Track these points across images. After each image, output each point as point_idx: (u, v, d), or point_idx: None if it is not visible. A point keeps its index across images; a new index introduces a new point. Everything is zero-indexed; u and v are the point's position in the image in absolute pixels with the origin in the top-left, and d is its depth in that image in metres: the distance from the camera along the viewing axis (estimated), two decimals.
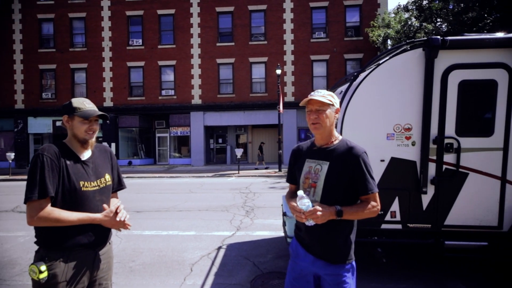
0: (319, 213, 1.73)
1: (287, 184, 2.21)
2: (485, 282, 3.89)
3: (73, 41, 21.26)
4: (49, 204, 1.79)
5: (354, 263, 1.96)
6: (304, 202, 1.77)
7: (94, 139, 2.00)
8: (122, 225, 1.91)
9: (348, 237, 1.92)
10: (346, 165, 1.87)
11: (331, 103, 1.91)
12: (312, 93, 1.96)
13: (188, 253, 5.03)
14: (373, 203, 1.87)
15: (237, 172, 16.17)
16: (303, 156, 2.06)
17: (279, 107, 16.71)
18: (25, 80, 21.30)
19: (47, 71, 21.39)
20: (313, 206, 1.77)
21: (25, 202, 1.78)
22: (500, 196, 3.54)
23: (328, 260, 1.90)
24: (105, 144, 2.23)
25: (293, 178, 2.12)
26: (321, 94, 1.92)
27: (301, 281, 2.02)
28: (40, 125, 21.20)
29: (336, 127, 3.79)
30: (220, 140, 22.42)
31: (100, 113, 1.99)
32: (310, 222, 1.79)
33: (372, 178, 1.88)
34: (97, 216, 1.87)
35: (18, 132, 21.22)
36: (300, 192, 1.81)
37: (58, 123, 20.76)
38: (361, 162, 1.86)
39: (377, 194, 1.89)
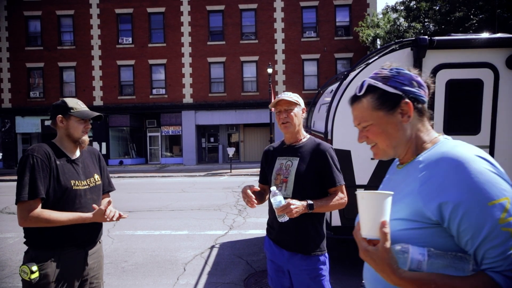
0: (292, 206, 1.78)
1: None
2: None
3: (61, 39, 20.90)
4: (40, 205, 1.79)
5: (327, 255, 2.05)
6: (276, 198, 1.80)
7: (87, 138, 2.02)
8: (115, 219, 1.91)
9: (319, 229, 2.02)
10: (314, 160, 1.98)
11: (297, 102, 2.05)
12: (280, 95, 2.09)
13: (181, 252, 5.03)
14: (340, 194, 1.98)
15: (229, 171, 16.17)
16: (274, 155, 2.17)
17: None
18: (12, 79, 20.87)
19: (34, 69, 20.99)
20: (285, 201, 1.81)
21: (16, 203, 1.79)
22: None
23: (303, 252, 1.97)
24: (93, 146, 2.26)
25: (264, 178, 2.23)
26: (288, 95, 2.06)
27: (281, 277, 2.08)
28: (28, 124, 20.82)
29: (326, 126, 3.84)
30: (212, 139, 22.35)
31: (98, 114, 2.01)
32: (283, 219, 1.82)
33: (339, 171, 2.00)
34: (88, 215, 1.87)
35: (5, 132, 20.80)
36: (273, 188, 1.85)
37: (47, 123, 20.41)
38: (328, 156, 1.98)
39: (344, 187, 2.00)
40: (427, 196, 0.90)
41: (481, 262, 0.81)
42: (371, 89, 1.04)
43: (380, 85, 1.03)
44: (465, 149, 0.92)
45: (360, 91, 1.06)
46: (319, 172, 1.97)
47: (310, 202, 1.87)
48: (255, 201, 1.94)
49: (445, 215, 0.85)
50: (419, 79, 1.04)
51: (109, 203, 1.90)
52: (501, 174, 0.86)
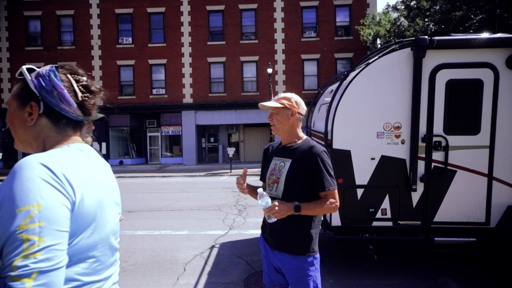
0: (277, 208, 1.80)
1: None
2: (475, 277, 3.98)
3: (61, 39, 20.90)
4: None
5: (317, 256, 2.03)
6: (263, 199, 1.83)
7: (90, 138, 2.01)
8: None
9: (307, 231, 1.99)
10: (306, 163, 1.96)
11: (283, 105, 2.01)
12: (274, 98, 2.10)
13: (181, 252, 5.03)
14: (331, 199, 1.94)
15: (229, 171, 16.16)
16: (272, 154, 2.18)
17: None
18: (12, 79, 20.84)
19: None
20: (272, 202, 1.83)
21: None
22: (487, 193, 3.63)
23: (287, 251, 1.99)
24: (94, 147, 2.24)
25: (264, 176, 2.24)
26: (275, 98, 2.05)
27: (274, 274, 2.14)
28: None
29: (326, 126, 3.85)
30: (212, 139, 22.35)
31: (102, 115, 2.00)
32: (271, 220, 1.86)
33: (331, 175, 1.96)
34: None
35: (5, 132, 20.79)
36: (260, 190, 1.89)
37: None
38: (319, 160, 1.94)
39: (335, 191, 1.96)
40: None
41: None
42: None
43: (27, 76, 0.97)
44: (36, 156, 0.88)
45: (18, 74, 1.02)
46: (309, 175, 1.94)
47: (297, 203, 1.86)
48: (245, 187, 2.11)
49: None
50: (64, 92, 0.98)
51: None
52: (59, 183, 0.85)
